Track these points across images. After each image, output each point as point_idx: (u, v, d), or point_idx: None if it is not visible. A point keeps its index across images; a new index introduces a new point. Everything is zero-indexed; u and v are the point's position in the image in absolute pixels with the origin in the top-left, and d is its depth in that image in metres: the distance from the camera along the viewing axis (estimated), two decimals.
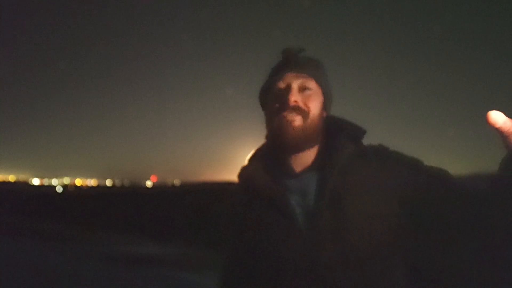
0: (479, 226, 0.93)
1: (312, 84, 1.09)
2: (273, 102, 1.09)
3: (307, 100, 1.07)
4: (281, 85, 1.09)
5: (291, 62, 1.10)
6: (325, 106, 1.12)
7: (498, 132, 0.81)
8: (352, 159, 1.04)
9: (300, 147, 1.07)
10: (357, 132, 1.10)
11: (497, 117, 0.79)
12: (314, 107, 1.07)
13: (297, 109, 1.05)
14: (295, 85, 1.08)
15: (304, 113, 1.05)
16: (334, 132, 1.11)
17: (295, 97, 1.06)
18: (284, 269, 0.99)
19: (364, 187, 1.01)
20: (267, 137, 1.17)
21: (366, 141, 1.12)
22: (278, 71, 1.11)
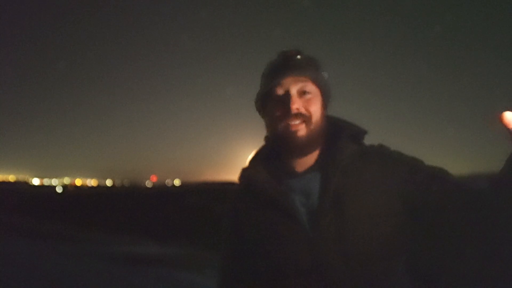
0: (481, 225, 0.93)
1: (311, 86, 1.07)
2: (273, 109, 1.07)
3: (308, 104, 1.06)
4: (280, 91, 1.06)
5: (288, 66, 1.06)
6: (325, 105, 1.11)
7: (509, 132, 0.83)
8: (355, 159, 1.04)
9: (305, 152, 1.06)
10: (359, 133, 1.10)
11: (511, 118, 0.82)
12: (316, 110, 1.06)
13: (300, 116, 1.04)
14: (294, 90, 1.05)
15: (307, 119, 1.05)
16: (335, 132, 1.10)
17: (296, 104, 1.04)
18: (288, 269, 0.98)
19: (367, 186, 1.00)
20: (266, 139, 1.16)
21: (367, 140, 1.12)
22: (274, 76, 1.07)
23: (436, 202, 0.97)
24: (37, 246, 9.20)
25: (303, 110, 1.04)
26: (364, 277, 0.95)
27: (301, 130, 1.03)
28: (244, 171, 1.14)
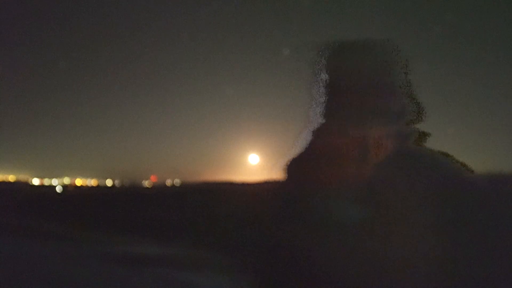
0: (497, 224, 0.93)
1: None
2: (345, 145, 0.95)
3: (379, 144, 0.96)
4: (356, 133, 0.92)
5: (379, 119, 0.89)
6: None
7: None
8: (393, 164, 1.02)
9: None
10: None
11: None
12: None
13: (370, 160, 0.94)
14: (372, 140, 0.94)
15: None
16: None
17: (372, 156, 0.93)
18: (339, 273, 0.95)
19: (404, 187, 0.99)
20: (311, 147, 1.08)
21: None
22: (358, 117, 0.90)
23: (454, 199, 0.98)
24: (37, 246, 9.20)
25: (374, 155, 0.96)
26: (411, 275, 0.95)
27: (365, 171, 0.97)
28: (296, 165, 1.08)
